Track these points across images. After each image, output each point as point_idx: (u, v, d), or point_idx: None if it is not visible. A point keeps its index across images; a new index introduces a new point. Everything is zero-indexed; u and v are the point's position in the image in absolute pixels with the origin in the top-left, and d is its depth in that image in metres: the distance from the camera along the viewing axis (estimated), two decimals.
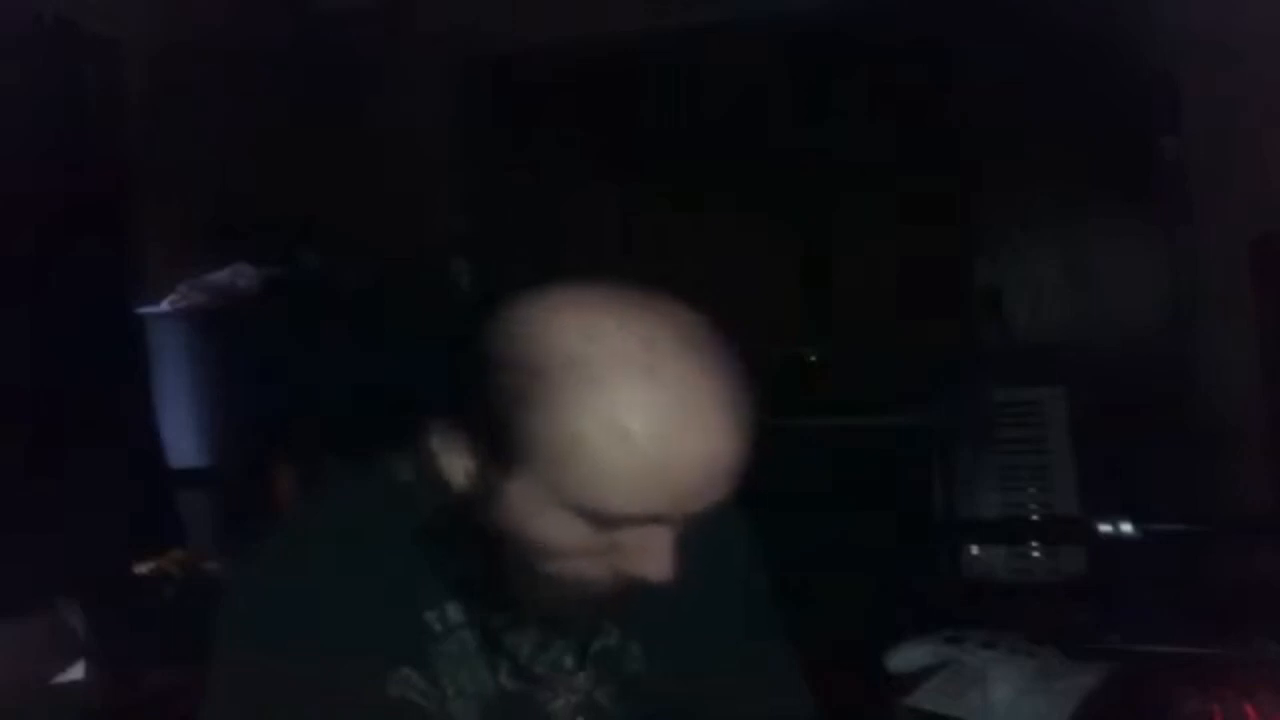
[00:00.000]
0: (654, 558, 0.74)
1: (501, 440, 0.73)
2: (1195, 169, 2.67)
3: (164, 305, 2.60)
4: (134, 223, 2.59)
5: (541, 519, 0.74)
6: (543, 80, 3.21)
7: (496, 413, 0.72)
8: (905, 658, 1.62)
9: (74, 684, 1.96)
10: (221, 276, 2.64)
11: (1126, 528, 1.90)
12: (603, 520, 0.72)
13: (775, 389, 2.89)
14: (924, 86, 2.91)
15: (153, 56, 2.59)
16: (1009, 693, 1.47)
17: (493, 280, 2.96)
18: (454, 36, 3.21)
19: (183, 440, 2.60)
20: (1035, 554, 2.59)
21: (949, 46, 2.86)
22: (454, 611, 0.83)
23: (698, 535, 0.76)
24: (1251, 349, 2.40)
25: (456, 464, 0.78)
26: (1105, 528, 1.92)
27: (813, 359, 2.97)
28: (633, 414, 0.69)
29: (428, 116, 3.25)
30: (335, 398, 2.41)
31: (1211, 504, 2.45)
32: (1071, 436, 2.65)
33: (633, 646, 0.87)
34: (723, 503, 0.74)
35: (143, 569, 2.27)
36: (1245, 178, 2.45)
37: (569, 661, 0.85)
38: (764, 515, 0.97)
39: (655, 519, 0.72)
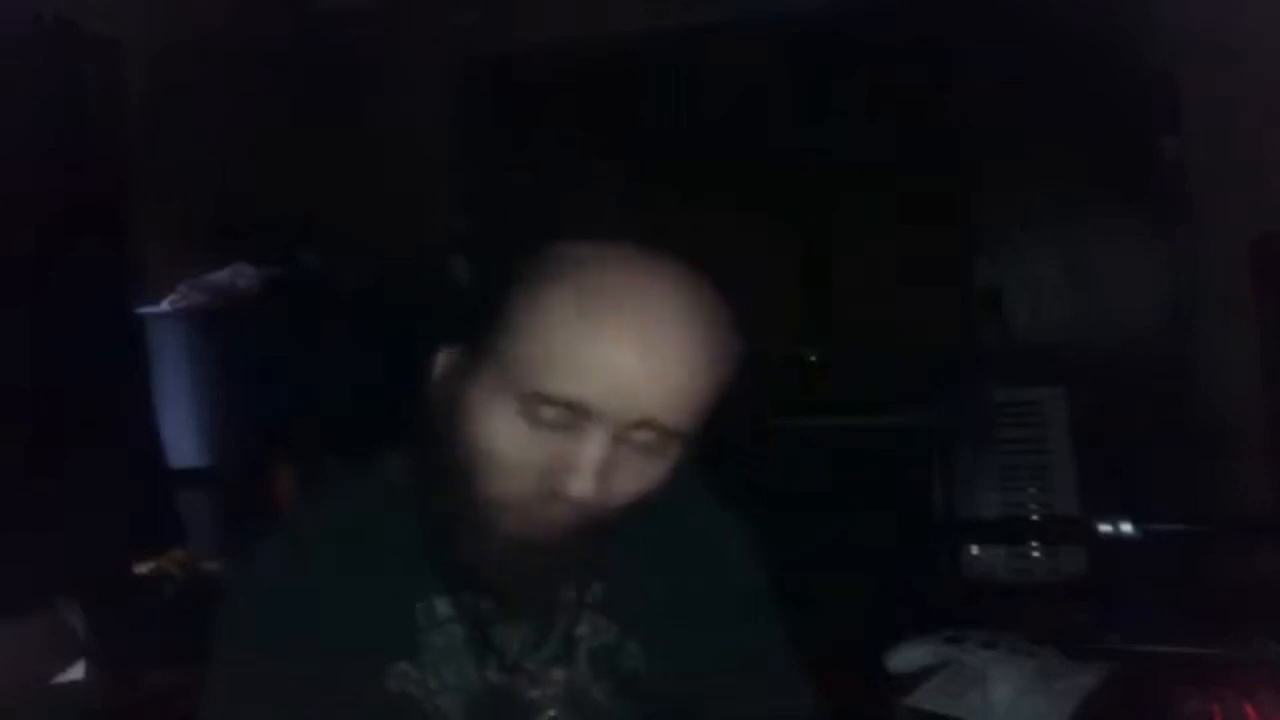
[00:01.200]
0: (582, 467, 0.73)
1: (478, 337, 0.77)
2: (1195, 169, 2.67)
3: (164, 305, 2.60)
4: (134, 223, 2.59)
5: (490, 417, 0.75)
6: (543, 80, 3.21)
7: (483, 314, 0.77)
8: (905, 658, 1.62)
9: (74, 684, 1.96)
10: (221, 276, 2.64)
11: (1126, 528, 1.90)
12: (543, 404, 0.73)
13: (775, 389, 2.89)
14: (924, 86, 2.91)
15: (153, 56, 2.59)
16: (1009, 693, 1.47)
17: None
18: (454, 36, 3.21)
19: (183, 440, 2.60)
20: (1035, 554, 2.59)
21: (949, 46, 2.86)
22: (442, 605, 0.83)
23: (697, 534, 0.76)
24: (1251, 349, 2.39)
25: (440, 392, 0.81)
26: (1105, 528, 1.92)
27: (813, 359, 2.97)
28: (584, 303, 0.73)
29: (428, 116, 3.25)
30: (335, 398, 2.41)
31: (1211, 504, 2.44)
32: (1071, 436, 2.65)
33: (630, 644, 0.87)
34: (721, 502, 0.75)
35: (143, 569, 2.27)
36: (1245, 178, 2.45)
37: (558, 657, 0.85)
38: (764, 515, 0.97)
39: (591, 413, 0.73)
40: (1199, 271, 2.69)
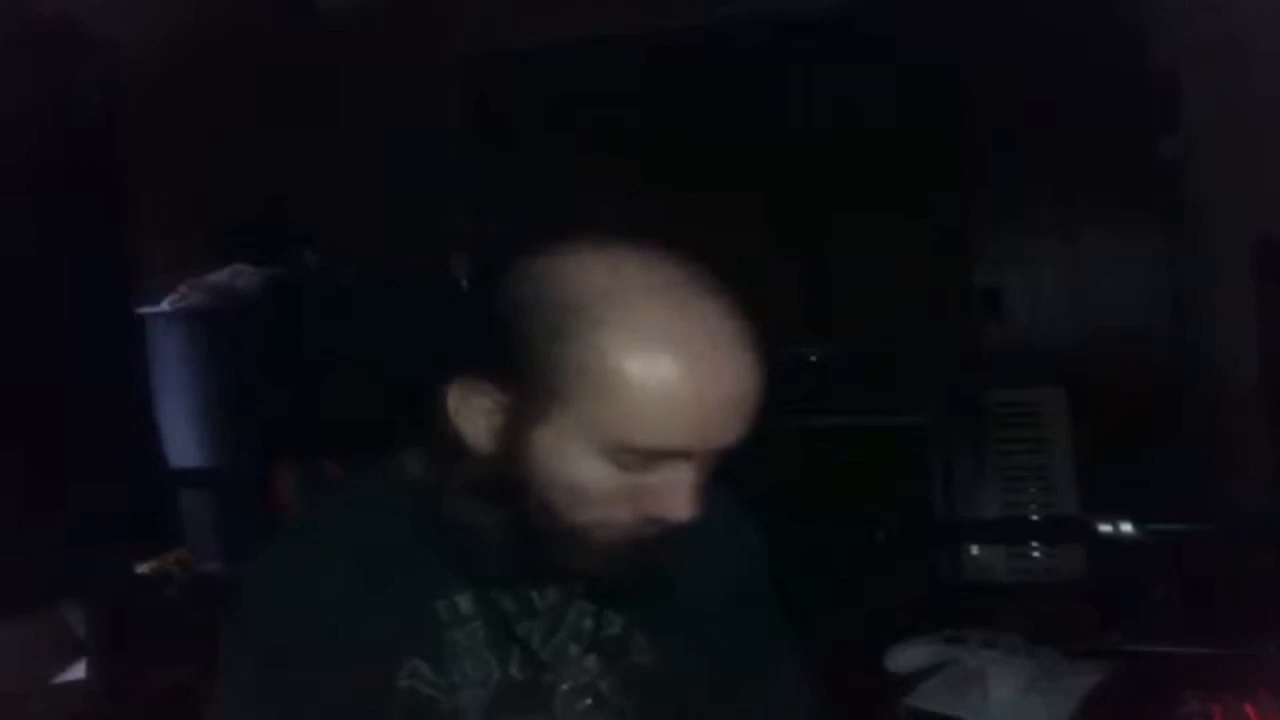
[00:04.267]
0: (681, 497, 0.75)
1: (533, 381, 0.74)
2: (1195, 169, 2.67)
3: (164, 305, 2.60)
4: (134, 223, 2.59)
5: (572, 463, 0.75)
6: (543, 80, 3.21)
7: (528, 353, 0.74)
8: (905, 658, 1.62)
9: (74, 684, 1.96)
10: (221, 276, 2.64)
11: (1126, 528, 1.90)
12: (633, 454, 0.73)
13: (775, 389, 2.88)
14: (924, 85, 2.90)
15: (153, 56, 2.59)
16: (1009, 693, 1.47)
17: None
18: (455, 36, 3.21)
19: (183, 440, 2.61)
20: (1035, 554, 2.59)
21: (949, 45, 2.86)
22: (464, 603, 0.83)
23: (705, 529, 0.77)
24: (1251, 349, 2.39)
25: (480, 424, 0.78)
26: (1105, 528, 1.92)
27: (813, 359, 2.96)
28: (666, 344, 0.71)
29: (428, 116, 3.24)
30: (335, 397, 2.41)
31: (1211, 504, 2.44)
32: (1071, 436, 2.65)
33: (638, 637, 0.87)
34: (731, 501, 0.75)
35: (143, 569, 2.27)
36: (1245, 178, 2.45)
37: (574, 649, 0.85)
38: (764, 514, 0.97)
39: (684, 454, 0.74)
40: (1199, 271, 2.69)
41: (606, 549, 0.78)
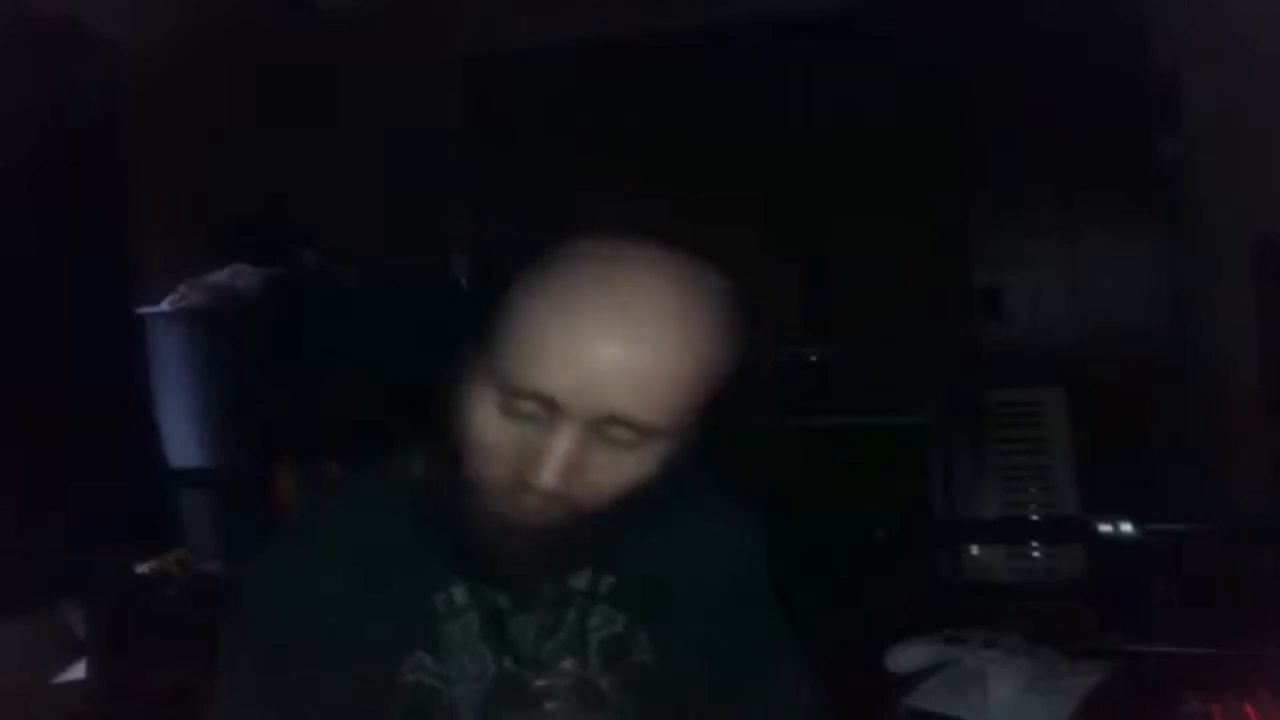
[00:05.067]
0: (548, 460, 0.73)
1: (473, 334, 0.77)
2: (1195, 169, 2.67)
3: (164, 305, 2.60)
4: (134, 223, 2.59)
5: (474, 409, 0.76)
6: (543, 80, 3.21)
7: (477, 315, 0.77)
8: (905, 658, 1.62)
9: (74, 684, 1.96)
10: (221, 276, 2.64)
11: (1126, 528, 1.90)
12: (513, 395, 0.74)
13: (775, 389, 2.89)
14: (924, 85, 2.90)
15: (153, 56, 2.59)
16: (1009, 693, 1.47)
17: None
18: (455, 36, 3.21)
19: (183, 440, 2.61)
20: (1035, 554, 2.59)
21: (949, 45, 2.86)
22: (460, 594, 0.84)
23: (707, 528, 0.76)
24: (1251, 349, 2.39)
25: (447, 386, 0.80)
26: (1105, 528, 1.92)
27: (813, 359, 2.96)
28: (559, 298, 0.73)
29: (428, 116, 3.24)
30: (335, 397, 2.41)
31: (1211, 504, 2.44)
32: (1071, 436, 2.65)
33: (640, 635, 0.87)
34: (731, 501, 0.74)
35: (143, 569, 2.27)
36: (1245, 178, 2.45)
37: (575, 647, 0.85)
38: (764, 514, 0.97)
39: (554, 404, 0.73)
40: (1199, 271, 2.69)
41: (517, 537, 0.77)
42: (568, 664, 0.85)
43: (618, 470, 0.76)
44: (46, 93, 2.33)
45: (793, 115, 3.06)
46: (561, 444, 0.73)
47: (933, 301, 2.91)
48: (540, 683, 0.84)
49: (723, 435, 0.81)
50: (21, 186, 2.23)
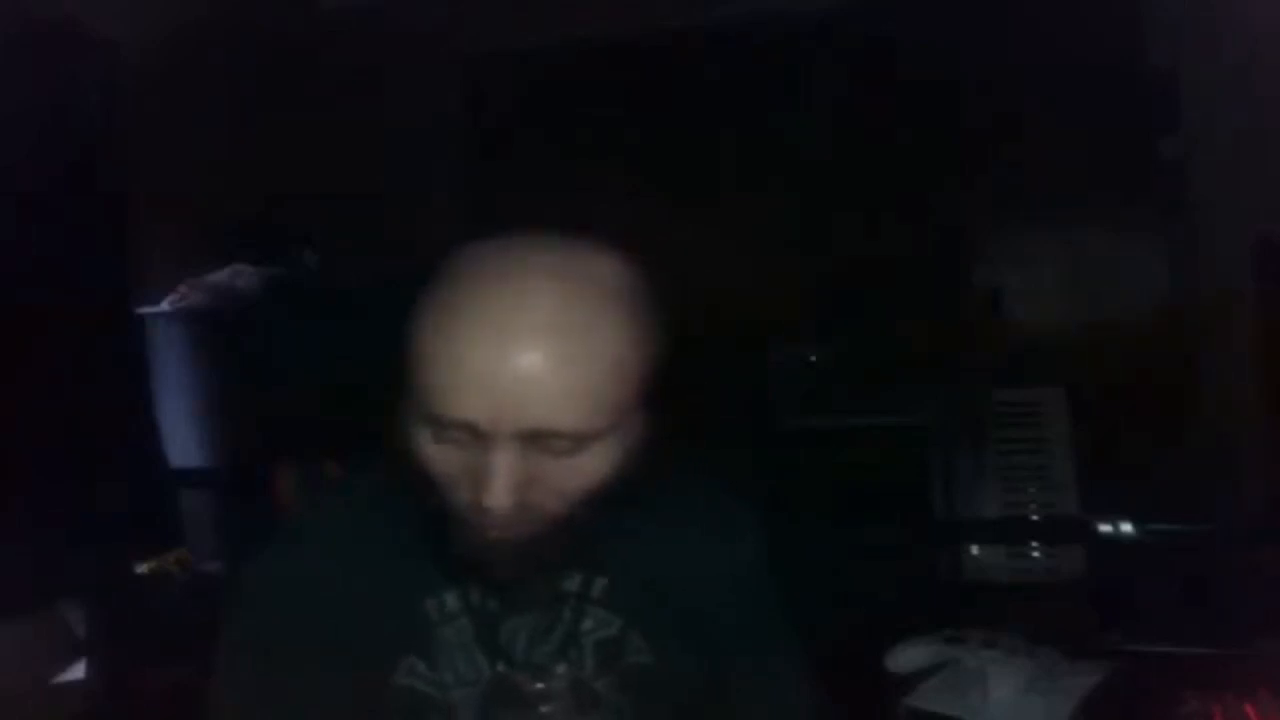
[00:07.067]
0: (490, 480, 0.73)
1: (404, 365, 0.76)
2: (1195, 169, 2.67)
3: (164, 305, 2.60)
4: (134, 223, 2.59)
5: (415, 438, 0.76)
6: (543, 80, 3.21)
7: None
8: (905, 658, 1.62)
9: (74, 684, 1.96)
10: (221, 276, 2.64)
11: (1126, 528, 1.90)
12: (439, 426, 0.73)
13: (775, 389, 2.89)
14: (925, 85, 2.90)
15: (153, 56, 2.59)
16: (1009, 693, 1.47)
17: None
18: (455, 36, 3.21)
19: (183, 440, 2.61)
20: (1035, 554, 2.59)
21: (950, 45, 2.86)
22: (452, 600, 0.84)
23: (702, 528, 0.76)
24: (1252, 349, 2.39)
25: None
26: (1105, 528, 1.92)
27: (813, 359, 2.96)
28: (464, 320, 0.72)
29: (428, 116, 3.24)
30: (335, 397, 2.41)
31: (1211, 504, 2.45)
32: (1071, 436, 2.65)
33: (635, 637, 0.87)
34: (731, 500, 0.73)
35: (143, 569, 2.27)
36: (1245, 178, 2.45)
37: (570, 649, 0.85)
38: (764, 514, 0.97)
39: (475, 430, 0.72)
40: (1199, 271, 2.69)
41: (496, 546, 0.76)
42: (562, 667, 0.85)
43: (573, 474, 0.75)
44: (46, 93, 2.33)
45: (793, 114, 3.06)
46: (499, 464, 0.73)
47: (932, 301, 2.91)
48: (537, 685, 0.84)
49: (723, 436, 0.81)
50: (22, 186, 2.23)
